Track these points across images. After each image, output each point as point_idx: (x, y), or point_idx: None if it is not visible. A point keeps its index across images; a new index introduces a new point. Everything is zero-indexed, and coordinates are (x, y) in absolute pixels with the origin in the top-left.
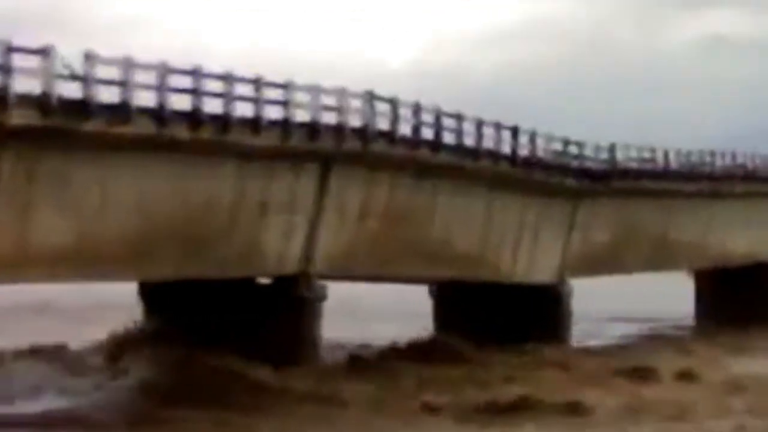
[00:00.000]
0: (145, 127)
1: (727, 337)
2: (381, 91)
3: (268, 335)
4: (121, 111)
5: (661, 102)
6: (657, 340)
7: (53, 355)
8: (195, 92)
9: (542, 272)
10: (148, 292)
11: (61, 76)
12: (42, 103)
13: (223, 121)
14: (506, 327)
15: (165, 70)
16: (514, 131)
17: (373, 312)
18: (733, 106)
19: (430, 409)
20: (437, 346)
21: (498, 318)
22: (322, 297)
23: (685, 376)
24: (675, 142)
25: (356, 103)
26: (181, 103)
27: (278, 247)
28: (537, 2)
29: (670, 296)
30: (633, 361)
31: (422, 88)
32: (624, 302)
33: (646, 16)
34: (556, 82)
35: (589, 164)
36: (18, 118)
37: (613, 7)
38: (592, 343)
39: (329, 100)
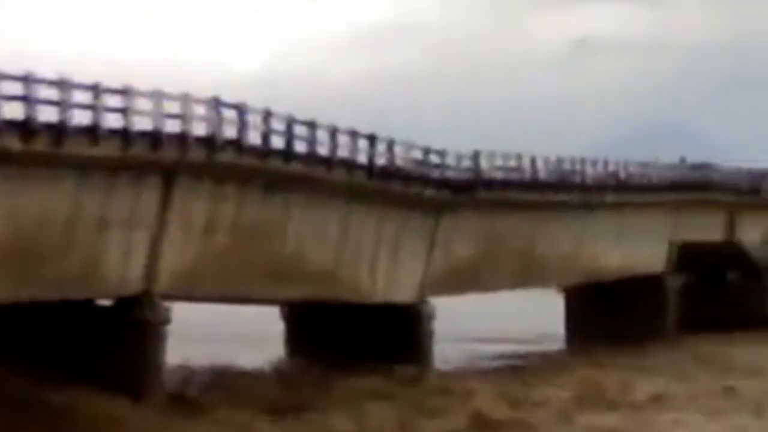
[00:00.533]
0: None
1: (607, 357)
2: (227, 98)
3: (108, 361)
4: None
5: (527, 107)
6: (531, 361)
7: None
8: (27, 99)
9: (402, 291)
10: None
11: None
12: None
13: (58, 131)
14: (362, 350)
15: None
16: (371, 139)
17: (226, 334)
18: (603, 110)
19: None
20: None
21: (354, 341)
22: (166, 319)
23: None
24: (542, 149)
25: (201, 110)
26: (11, 111)
27: (118, 265)
28: (392, 6)
29: (540, 314)
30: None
31: (272, 95)
32: (492, 322)
33: (510, 18)
34: (414, 88)
35: (450, 174)
36: None
37: (472, 10)
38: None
39: (172, 107)
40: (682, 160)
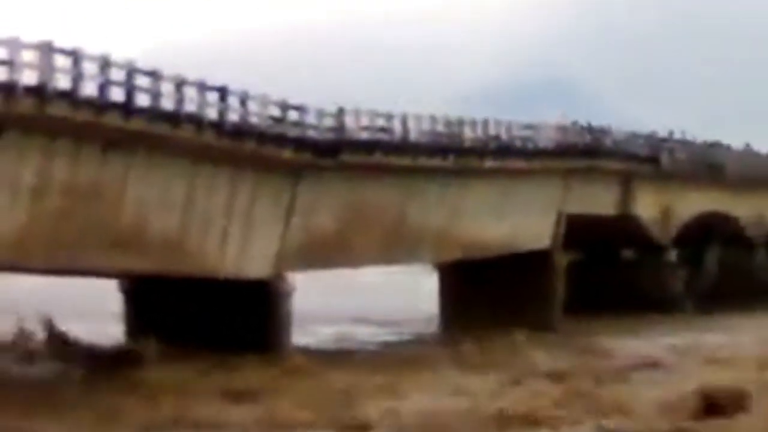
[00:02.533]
0: None
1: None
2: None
3: None
4: None
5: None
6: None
7: None
8: None
9: (255, 265)
10: None
11: None
12: None
13: None
14: (210, 331)
15: None
16: (222, 93)
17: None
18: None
19: None
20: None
21: (201, 320)
22: None
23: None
24: (417, 107)
25: (31, 57)
26: None
27: None
28: None
29: (416, 294)
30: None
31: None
32: (358, 301)
33: None
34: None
35: (311, 133)
36: None
37: None
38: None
39: None
40: (573, 123)
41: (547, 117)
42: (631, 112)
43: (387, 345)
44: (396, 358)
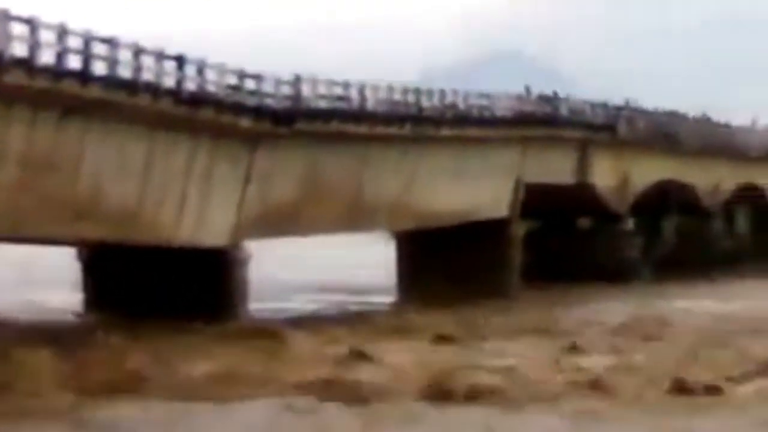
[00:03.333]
0: None
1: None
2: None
3: None
4: None
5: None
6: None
7: None
8: None
9: (212, 233)
10: None
11: None
12: None
13: None
14: (166, 299)
15: None
16: (179, 61)
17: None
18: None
19: None
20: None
21: (158, 288)
22: None
23: None
24: (375, 75)
25: None
26: None
27: None
28: None
29: (372, 262)
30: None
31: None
32: (315, 270)
33: None
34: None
35: (269, 102)
36: None
37: None
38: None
39: None
40: (527, 90)
41: (506, 89)
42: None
43: (361, 313)
44: (380, 326)
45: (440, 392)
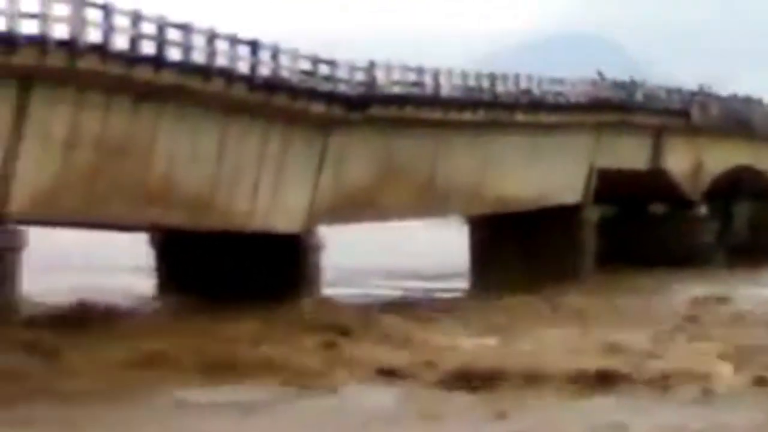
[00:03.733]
0: None
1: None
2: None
3: None
4: None
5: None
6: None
7: None
8: None
9: (286, 219)
10: None
11: None
12: None
13: None
14: (240, 285)
15: None
16: (253, 46)
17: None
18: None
19: None
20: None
21: (232, 274)
22: (21, 245)
23: None
24: (446, 59)
25: (62, 10)
26: None
27: None
28: None
29: (446, 248)
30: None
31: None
32: (389, 255)
33: None
34: None
35: (342, 88)
36: None
37: None
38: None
39: (29, 6)
40: (600, 75)
41: (579, 73)
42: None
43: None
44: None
45: None
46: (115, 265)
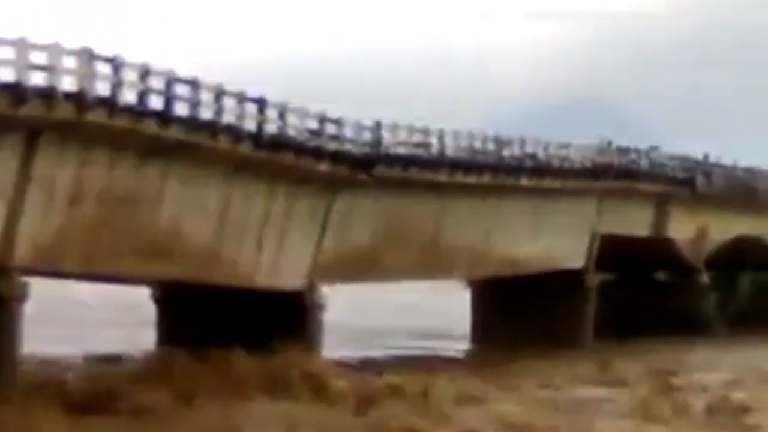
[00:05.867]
0: None
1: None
2: None
3: None
4: None
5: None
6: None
7: None
8: None
9: (289, 276)
10: None
11: None
12: None
13: None
14: (242, 340)
15: None
16: (260, 104)
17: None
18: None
19: None
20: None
21: (233, 330)
22: (23, 295)
23: None
24: (449, 122)
25: (71, 62)
26: None
27: None
28: None
29: (447, 309)
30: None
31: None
32: (390, 315)
33: None
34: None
35: (348, 147)
36: None
37: None
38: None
39: (38, 58)
40: (608, 143)
41: (584, 139)
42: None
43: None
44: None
45: None
46: (117, 320)
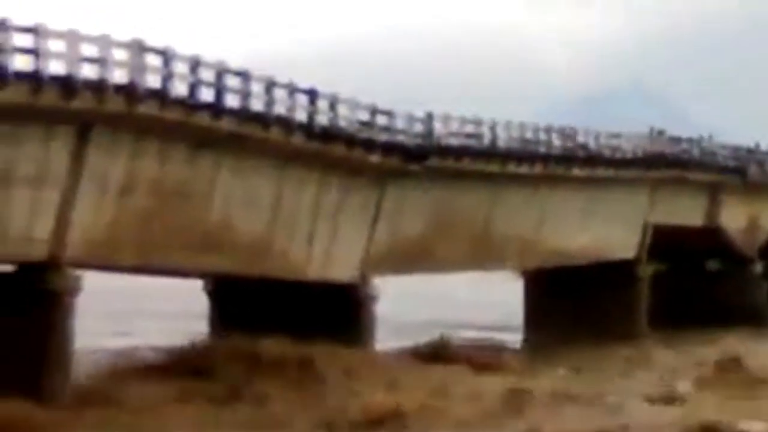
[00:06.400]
0: None
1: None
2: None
3: (5, 339)
4: None
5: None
6: None
7: None
8: None
9: (341, 268)
10: None
11: None
12: None
13: None
14: (295, 334)
15: None
16: (312, 95)
17: (149, 310)
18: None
19: None
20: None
21: (286, 323)
22: (75, 288)
23: None
24: (504, 114)
25: (122, 55)
26: None
27: (23, 227)
28: None
29: (501, 300)
30: None
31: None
32: (443, 307)
33: None
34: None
35: (400, 138)
36: None
37: None
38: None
39: (89, 50)
40: (660, 132)
41: (634, 127)
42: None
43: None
44: None
45: None
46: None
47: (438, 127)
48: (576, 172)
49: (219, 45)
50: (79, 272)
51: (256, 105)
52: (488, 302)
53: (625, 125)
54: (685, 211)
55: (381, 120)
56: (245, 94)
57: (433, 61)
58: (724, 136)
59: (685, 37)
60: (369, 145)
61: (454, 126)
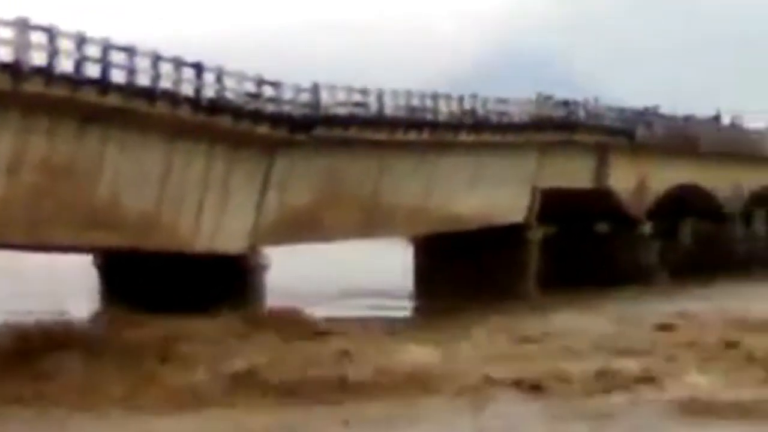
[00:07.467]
0: None
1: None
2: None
3: None
4: None
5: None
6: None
7: None
8: None
9: (230, 240)
10: None
11: None
12: None
13: None
14: (185, 306)
15: None
16: (198, 69)
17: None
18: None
19: None
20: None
21: (176, 295)
22: None
23: None
24: (391, 82)
25: (6, 32)
26: None
27: None
28: None
29: (391, 268)
30: None
31: None
32: (334, 275)
33: None
34: None
35: (287, 109)
36: None
37: None
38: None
39: None
40: (548, 98)
41: (521, 93)
42: (605, 88)
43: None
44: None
45: None
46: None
47: (325, 96)
48: (463, 137)
49: (170, 29)
50: None
51: (144, 80)
52: (380, 270)
53: (518, 92)
54: (573, 173)
55: (268, 91)
56: (131, 70)
57: (316, 30)
58: (625, 102)
59: (581, 6)
60: (256, 116)
61: (341, 95)
